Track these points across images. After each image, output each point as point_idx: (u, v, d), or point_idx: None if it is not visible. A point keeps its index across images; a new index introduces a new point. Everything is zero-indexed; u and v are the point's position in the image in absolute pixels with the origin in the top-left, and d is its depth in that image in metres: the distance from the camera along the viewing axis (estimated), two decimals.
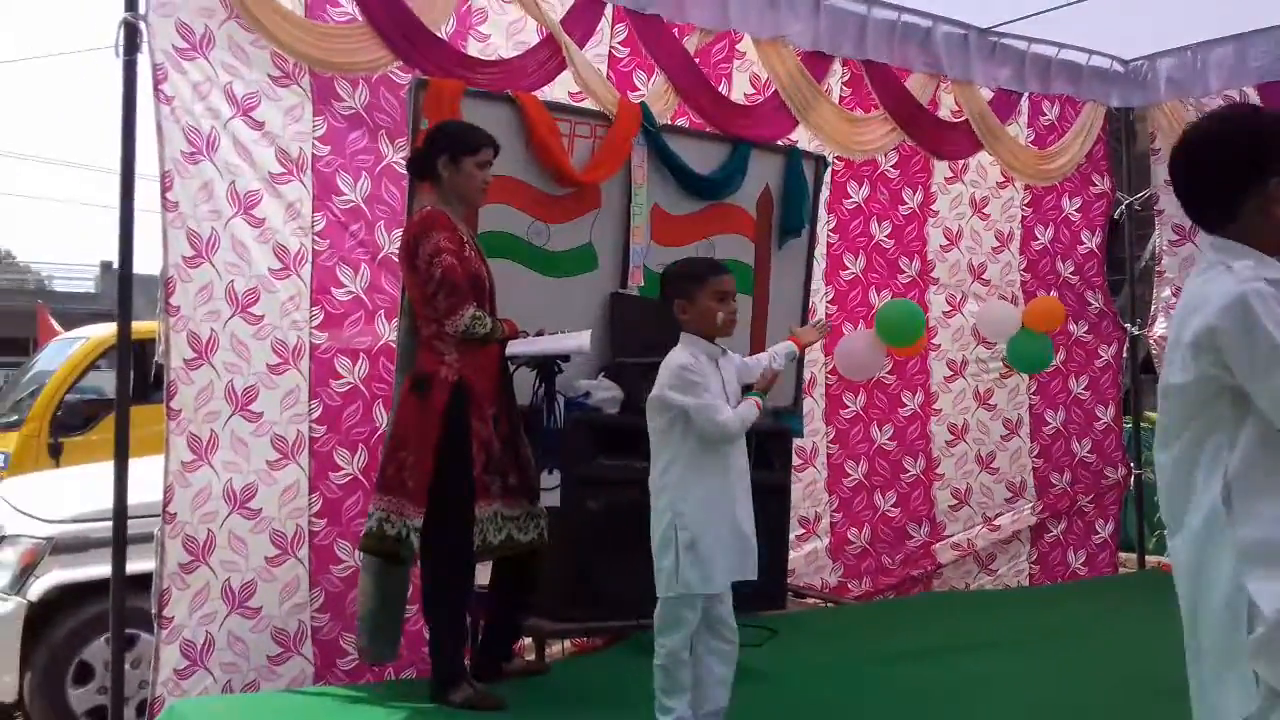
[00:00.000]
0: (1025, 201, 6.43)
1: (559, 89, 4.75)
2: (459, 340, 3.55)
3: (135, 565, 3.94)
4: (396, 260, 3.96)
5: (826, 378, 5.88)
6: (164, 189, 3.99)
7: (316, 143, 4.31)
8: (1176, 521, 1.99)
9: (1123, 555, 6.75)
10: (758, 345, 5.12)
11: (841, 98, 5.65)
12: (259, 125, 4.20)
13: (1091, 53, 6.27)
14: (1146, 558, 6.68)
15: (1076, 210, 6.55)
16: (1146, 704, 3.63)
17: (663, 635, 3.08)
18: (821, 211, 5.58)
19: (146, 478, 3.94)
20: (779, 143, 5.33)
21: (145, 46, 3.93)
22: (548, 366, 4.00)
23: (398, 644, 3.95)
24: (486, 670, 3.81)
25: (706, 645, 3.13)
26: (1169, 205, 6.34)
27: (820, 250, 5.67)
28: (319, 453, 4.25)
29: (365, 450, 4.31)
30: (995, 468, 6.38)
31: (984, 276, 6.32)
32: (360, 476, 4.29)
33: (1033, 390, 6.49)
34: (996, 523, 6.36)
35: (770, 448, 4.74)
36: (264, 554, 4.12)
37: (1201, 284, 1.96)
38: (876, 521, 6.02)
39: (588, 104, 4.76)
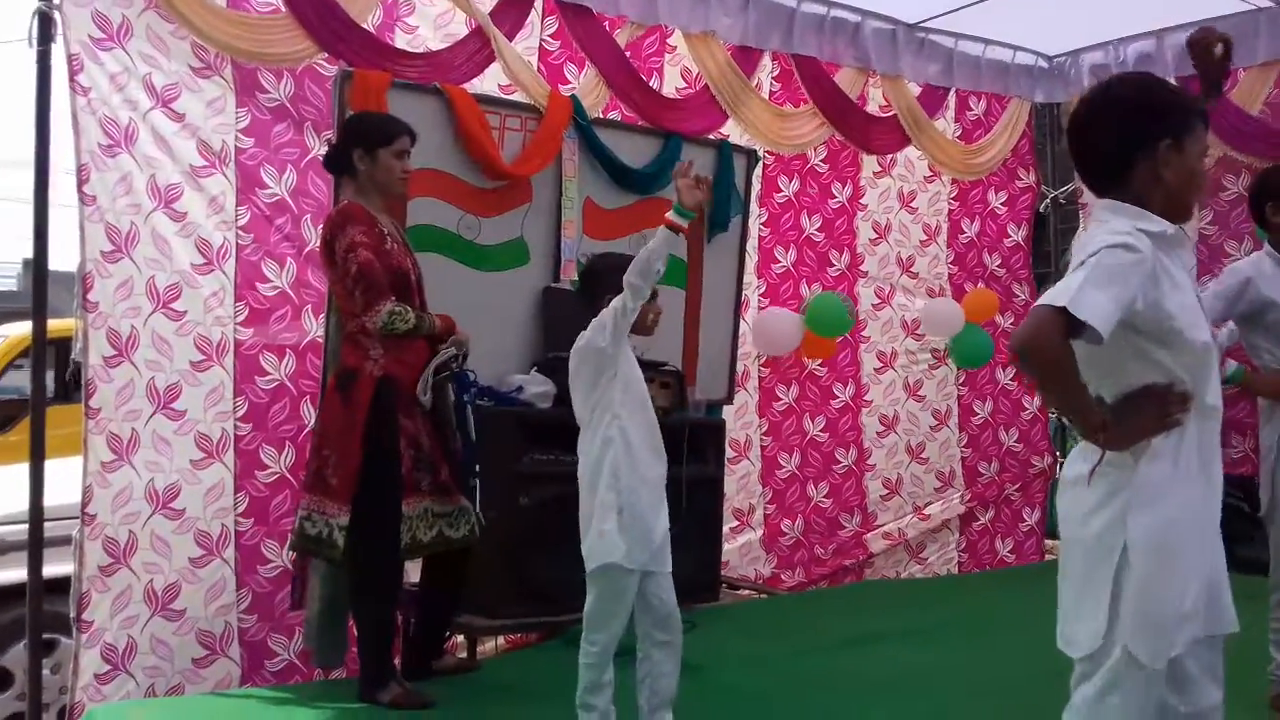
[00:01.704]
0: (952, 195, 6.52)
1: (489, 82, 4.71)
2: (382, 335, 3.50)
3: (54, 569, 3.84)
4: None
5: (760, 370, 5.92)
6: (80, 182, 3.90)
7: (240, 135, 4.23)
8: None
9: (1049, 543, 6.87)
10: (690, 340, 5.13)
11: (772, 92, 5.68)
12: (179, 117, 4.11)
13: (1017, 49, 6.38)
14: None
15: (1002, 204, 6.66)
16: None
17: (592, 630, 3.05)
18: (753, 205, 5.60)
19: (67, 479, 3.84)
20: (710, 136, 5.34)
21: (60, 37, 3.83)
22: (448, 369, 3.73)
23: (345, 648, 3.90)
24: (417, 669, 3.77)
25: (651, 639, 3.10)
26: (1094, 198, 6.46)
27: (752, 244, 5.69)
28: (244, 451, 4.18)
29: (293, 448, 4.25)
30: (925, 458, 6.47)
31: (912, 269, 6.41)
32: (288, 475, 4.22)
33: (961, 381, 6.59)
34: (926, 512, 6.45)
35: (704, 440, 4.76)
36: (188, 555, 4.04)
37: (1081, 237, 2.04)
38: (809, 512, 6.07)
39: (518, 97, 4.73)
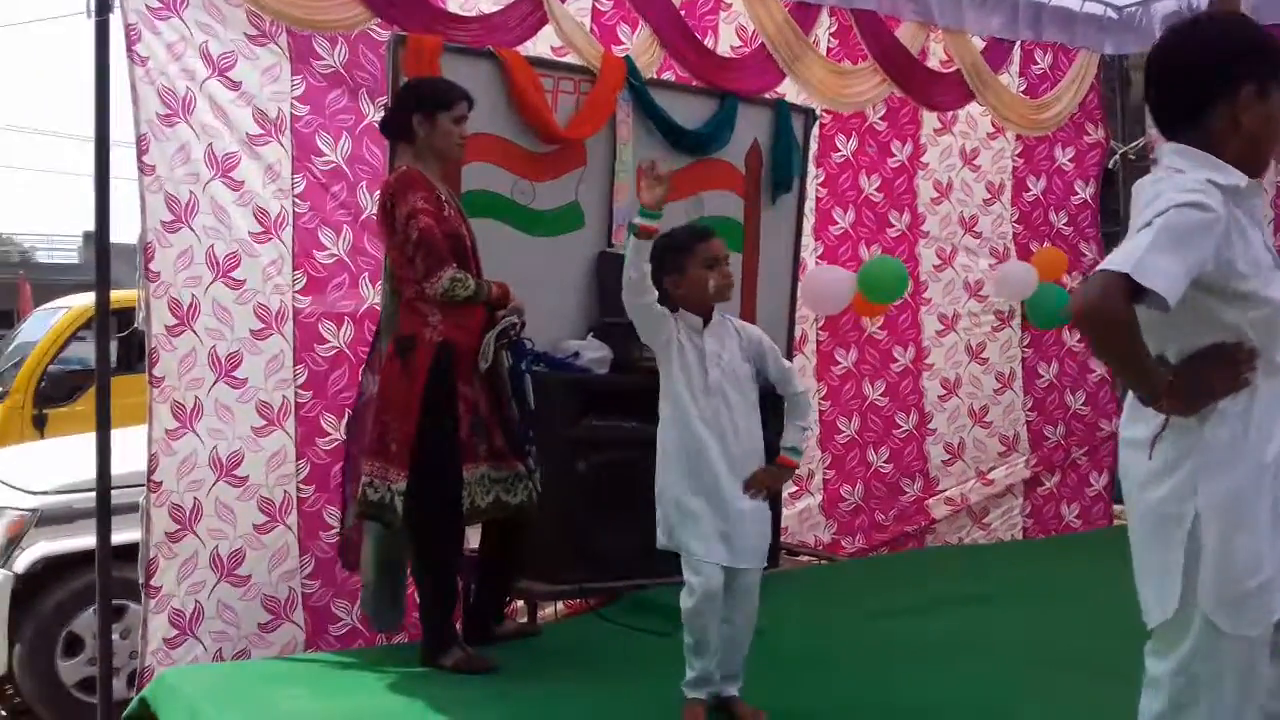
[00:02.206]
0: (1017, 152, 6.35)
1: (541, 44, 4.66)
2: (441, 301, 3.49)
3: (122, 535, 3.91)
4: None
5: (818, 334, 5.84)
6: (140, 152, 3.94)
7: (295, 102, 4.23)
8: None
9: (1117, 508, 6.73)
10: (748, 304, 5.07)
11: (829, 49, 5.55)
12: (235, 86, 4.12)
13: None
14: None
15: (1070, 160, 6.47)
16: (1140, 655, 3.62)
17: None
18: (810, 166, 5.50)
19: (132, 447, 3.90)
20: (766, 96, 5.25)
21: (118, 7, 3.84)
22: (507, 337, 3.67)
23: (402, 611, 3.92)
24: (478, 633, 3.79)
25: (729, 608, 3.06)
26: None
27: (809, 205, 5.59)
28: (305, 418, 4.21)
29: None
30: (988, 421, 6.35)
31: (975, 229, 6.26)
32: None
33: (1026, 344, 6.45)
34: (990, 477, 6.34)
35: (763, 406, 4.70)
36: (252, 521, 4.09)
37: (1150, 183, 1.90)
38: (869, 478, 6.00)
39: (571, 59, 4.67)
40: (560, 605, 4.47)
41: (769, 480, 3.07)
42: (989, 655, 3.73)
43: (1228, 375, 1.81)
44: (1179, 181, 1.82)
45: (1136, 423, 1.91)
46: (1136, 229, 1.80)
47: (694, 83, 5.04)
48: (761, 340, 3.17)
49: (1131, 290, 1.72)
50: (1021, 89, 6.19)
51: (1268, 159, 1.92)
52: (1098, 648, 3.80)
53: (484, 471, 3.55)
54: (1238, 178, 1.84)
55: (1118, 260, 1.75)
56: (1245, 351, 1.81)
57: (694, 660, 3.00)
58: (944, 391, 6.23)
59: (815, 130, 5.47)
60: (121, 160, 4.86)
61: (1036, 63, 6.24)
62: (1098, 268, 1.81)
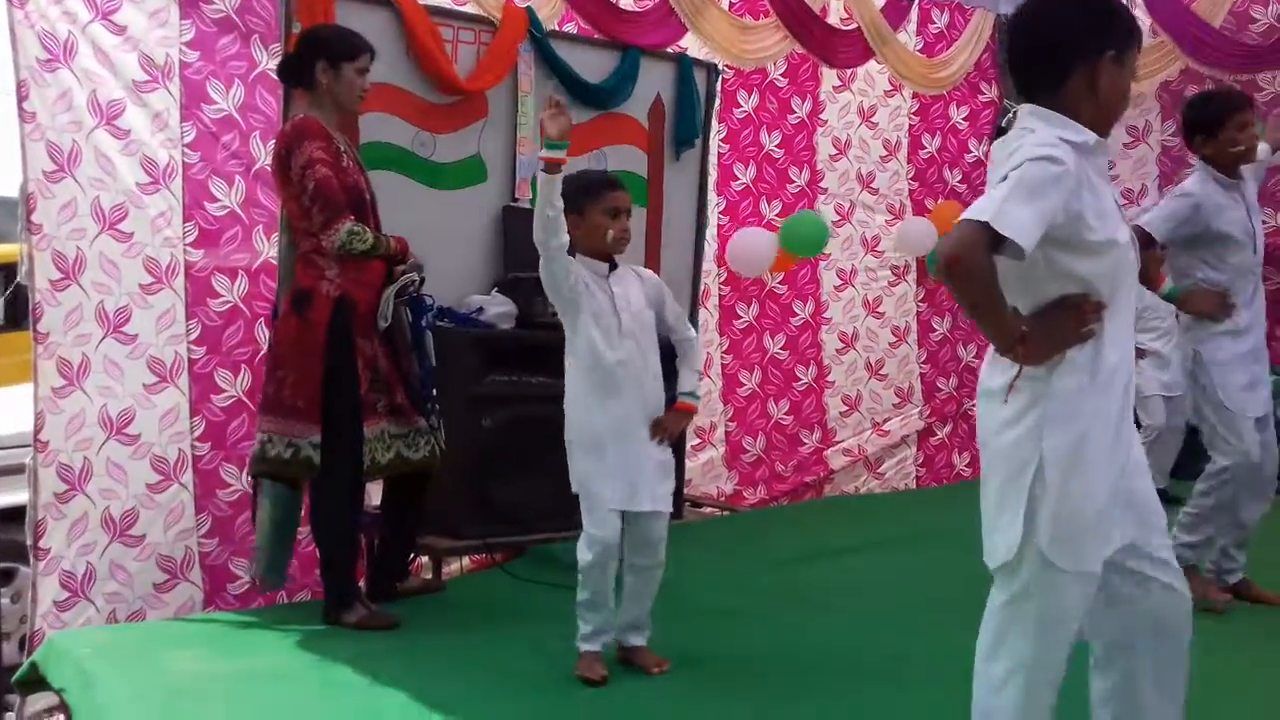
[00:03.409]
0: (913, 110, 6.46)
1: None
2: (338, 255, 3.43)
3: (9, 497, 3.79)
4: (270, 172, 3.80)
5: (720, 289, 5.89)
6: (20, 99, 3.77)
7: (184, 48, 4.09)
8: None
9: None
10: (652, 259, 5.08)
11: (731, 4, 5.56)
12: (120, 30, 3.96)
13: None
14: None
15: (964, 119, 6.62)
16: None
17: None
18: (713, 121, 5.52)
19: (20, 407, 3.77)
20: (669, 50, 5.23)
21: None
22: (406, 294, 3.66)
23: (284, 570, 3.88)
24: (381, 590, 3.78)
25: (627, 562, 3.07)
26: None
27: (711, 160, 5.62)
28: (199, 375, 4.11)
29: (249, 371, 4.18)
30: (884, 374, 6.51)
31: (872, 185, 6.37)
32: (244, 399, 4.17)
33: (920, 298, 6.61)
34: (885, 428, 6.51)
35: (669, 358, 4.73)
36: (145, 480, 4.00)
37: (1005, 142, 1.99)
38: (770, 429, 6.11)
39: (470, 9, 4.59)
40: (465, 561, 4.47)
41: (673, 425, 3.10)
42: (883, 600, 3.86)
43: (1075, 327, 1.90)
44: (1032, 139, 1.92)
45: (993, 373, 2.00)
46: (994, 183, 1.91)
47: (596, 35, 5.01)
48: (660, 285, 3.20)
49: (990, 240, 1.82)
50: (919, 48, 6.29)
51: (1115, 121, 2.05)
52: (979, 591, 3.97)
53: (384, 427, 3.51)
54: (1088, 135, 1.94)
55: (977, 211, 1.84)
56: (1092, 304, 1.91)
57: (587, 614, 3.02)
58: (842, 345, 6.36)
59: (718, 86, 5.48)
60: None
61: (934, 22, 6.34)
62: (959, 218, 1.89)
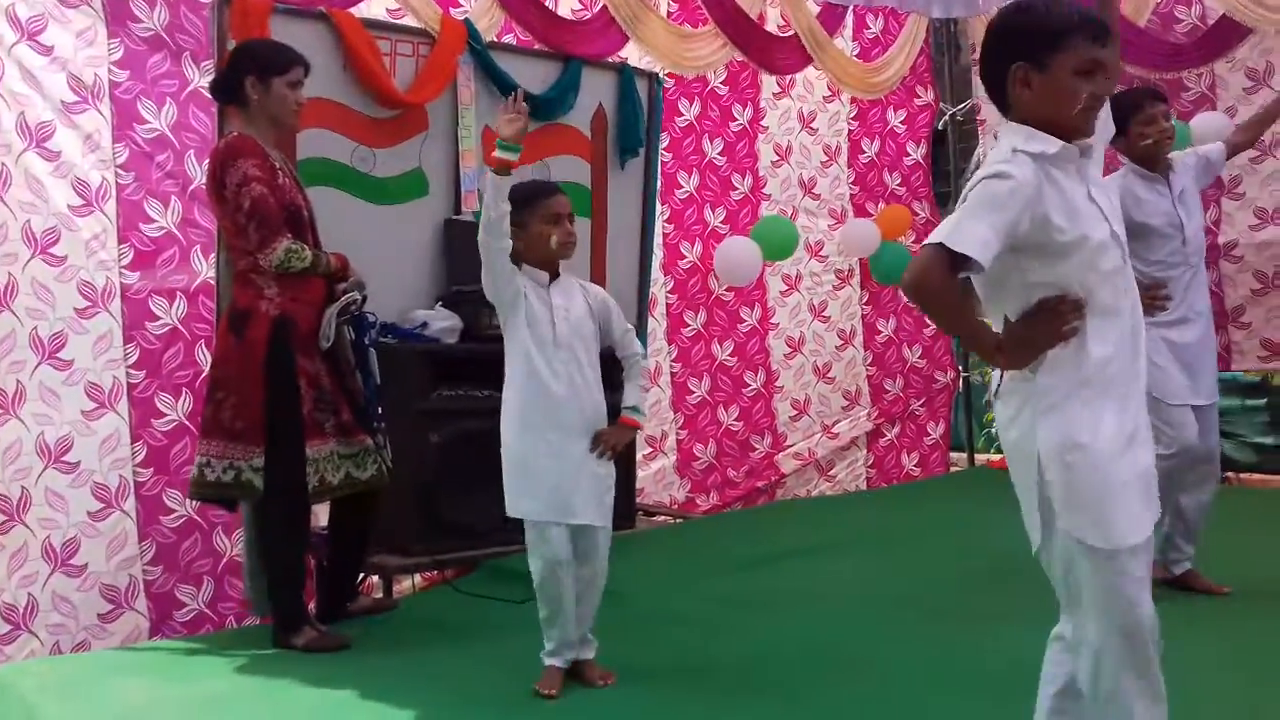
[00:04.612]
0: (851, 115, 6.53)
1: (376, 6, 4.56)
2: (277, 273, 3.38)
3: None
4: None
5: (667, 297, 5.90)
6: None
7: (113, 68, 4.03)
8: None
9: (953, 455, 7.06)
10: (598, 269, 5.08)
11: (670, 12, 5.58)
12: (47, 50, 3.91)
13: None
14: (975, 456, 7.01)
15: (901, 123, 6.69)
16: (982, 591, 3.86)
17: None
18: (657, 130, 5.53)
19: None
20: (610, 60, 5.24)
21: None
22: (349, 313, 3.59)
23: None
24: (332, 611, 3.73)
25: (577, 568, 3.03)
26: (991, 115, 6.54)
27: (655, 169, 5.62)
28: (139, 399, 4.05)
29: (190, 394, 4.13)
30: (831, 377, 6.56)
31: (814, 191, 6.42)
32: (186, 422, 4.11)
33: (865, 300, 6.67)
34: (835, 430, 6.55)
35: (616, 370, 4.73)
36: (86, 508, 3.93)
37: (981, 156, 2.07)
38: (721, 436, 6.12)
39: (408, 21, 4.57)
40: (417, 578, 4.43)
41: (615, 439, 3.08)
42: (837, 601, 3.88)
43: (1053, 327, 1.96)
44: (991, 155, 2.02)
45: (995, 377, 2.09)
46: (960, 201, 2.00)
47: (536, 46, 5.00)
48: (607, 300, 3.18)
49: (951, 260, 1.90)
50: (855, 53, 6.35)
51: (1070, 122, 2.00)
52: (936, 586, 4.01)
53: (332, 448, 3.47)
54: (1047, 144, 1.98)
55: (935, 234, 1.93)
56: (1069, 303, 1.96)
57: (550, 630, 3.00)
58: (789, 350, 6.39)
59: (660, 94, 5.49)
60: None
61: (869, 27, 6.41)
62: (923, 242, 1.97)
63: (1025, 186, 1.92)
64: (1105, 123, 2.19)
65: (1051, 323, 1.96)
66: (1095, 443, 1.94)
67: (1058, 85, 1.99)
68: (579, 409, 3.01)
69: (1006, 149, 1.99)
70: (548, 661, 3.01)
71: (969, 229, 1.90)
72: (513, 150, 2.90)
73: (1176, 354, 3.65)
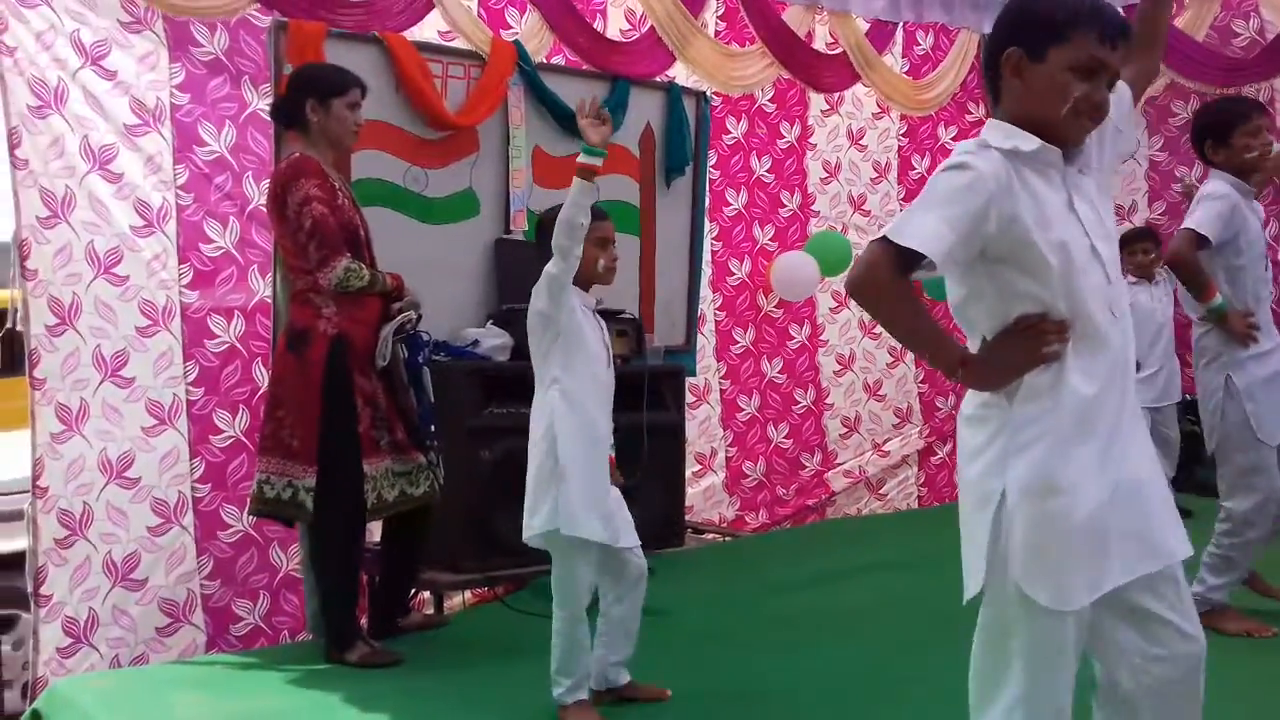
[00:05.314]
0: (901, 132, 6.50)
1: (428, 29, 4.61)
2: (335, 292, 3.44)
3: (9, 544, 3.78)
4: (265, 211, 3.81)
5: (715, 314, 5.91)
6: (12, 147, 3.81)
7: (175, 91, 4.12)
8: None
9: None
10: (646, 287, 5.11)
11: (717, 32, 5.61)
12: (111, 75, 4.00)
13: None
14: None
15: (953, 139, 6.64)
16: None
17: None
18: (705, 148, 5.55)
19: (17, 453, 3.77)
20: (658, 80, 5.27)
21: None
22: (404, 331, 3.63)
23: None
24: (383, 627, 3.75)
25: (608, 599, 3.01)
26: None
27: (704, 187, 5.64)
28: (198, 416, 4.12)
29: (247, 411, 4.19)
30: (882, 395, 6.51)
31: (864, 207, 6.40)
32: (243, 439, 4.17)
33: None
34: (885, 448, 6.51)
35: (664, 388, 4.74)
36: (146, 524, 4.00)
37: None
38: (770, 454, 6.10)
39: (459, 44, 4.63)
40: (467, 595, 4.46)
41: (616, 473, 3.05)
42: (888, 621, 3.84)
43: (1031, 348, 1.75)
44: (959, 147, 1.84)
45: (968, 401, 1.88)
46: None
47: (585, 67, 5.04)
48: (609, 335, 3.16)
49: (898, 259, 1.72)
50: (905, 70, 6.33)
51: (1052, 122, 1.80)
52: None
53: (387, 465, 3.51)
54: (1021, 140, 1.79)
55: (881, 231, 1.77)
56: (1051, 323, 1.75)
57: (570, 666, 2.90)
58: (839, 367, 6.36)
59: (708, 113, 5.51)
60: None
61: (919, 44, 6.38)
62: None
63: (987, 180, 1.72)
64: (1125, 135, 1.98)
65: (1031, 342, 1.74)
66: (1076, 487, 1.73)
67: (1050, 79, 1.78)
68: (610, 434, 3.02)
69: (972, 143, 1.81)
70: (573, 699, 2.90)
71: (918, 222, 1.71)
72: (599, 155, 2.87)
73: (1271, 389, 3.43)
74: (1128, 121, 2.00)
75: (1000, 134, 1.82)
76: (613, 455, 3.05)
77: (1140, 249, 5.27)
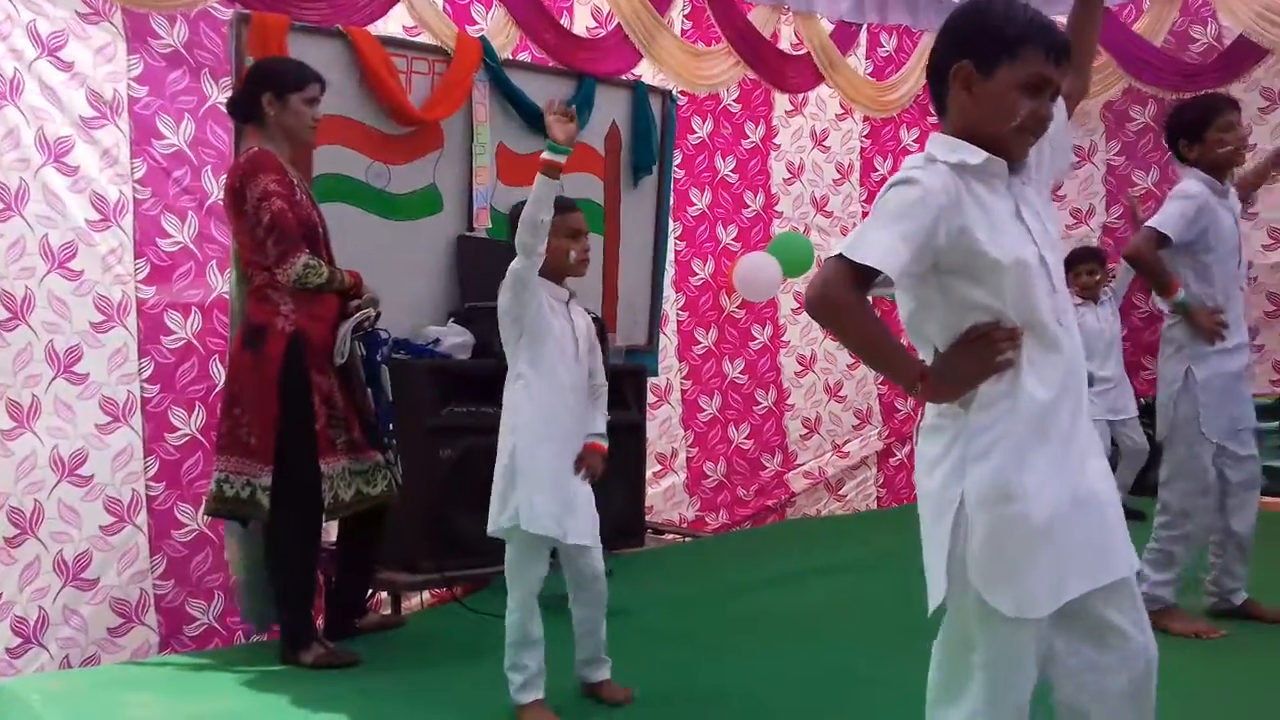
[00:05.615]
0: (864, 134, 6.54)
1: (393, 24, 4.58)
2: (293, 289, 3.40)
3: None
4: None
5: (678, 314, 5.91)
6: None
7: (133, 83, 4.06)
8: None
9: None
10: (610, 286, 5.10)
11: (683, 31, 5.61)
12: (68, 66, 3.94)
13: None
14: None
15: (914, 141, 6.69)
16: None
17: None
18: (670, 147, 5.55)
19: None
20: (624, 77, 5.26)
21: None
22: (362, 329, 3.58)
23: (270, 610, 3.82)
24: (339, 628, 3.72)
25: (572, 598, 3.01)
26: None
27: (669, 187, 5.64)
28: (152, 413, 4.07)
29: (203, 409, 4.15)
30: (843, 396, 6.55)
31: (826, 209, 6.43)
32: (199, 437, 4.12)
33: None
34: (845, 449, 6.55)
35: (625, 387, 4.74)
36: (98, 522, 3.94)
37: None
38: (731, 454, 6.12)
39: (424, 39, 4.60)
40: (425, 595, 4.43)
41: (596, 465, 3.02)
42: (847, 622, 3.86)
43: (985, 357, 1.76)
44: (907, 161, 1.85)
45: (927, 410, 1.88)
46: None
47: (551, 64, 5.02)
48: (591, 326, 3.16)
49: (855, 275, 1.73)
50: (869, 71, 6.37)
51: (998, 138, 1.81)
52: (942, 610, 3.98)
53: (344, 465, 3.47)
54: (967, 154, 1.80)
55: (839, 245, 1.78)
56: (1003, 331, 1.76)
57: (520, 661, 2.90)
58: (800, 368, 6.39)
59: (674, 112, 5.51)
60: None
61: (883, 45, 6.43)
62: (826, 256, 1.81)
63: (936, 194, 1.74)
64: (1061, 154, 1.99)
65: (984, 351, 1.76)
66: (1034, 494, 1.73)
67: (998, 96, 1.80)
68: (579, 431, 3.00)
69: (919, 157, 1.83)
70: (528, 698, 2.89)
71: (872, 238, 1.73)
72: (564, 152, 2.85)
73: (1231, 386, 3.52)
74: (1064, 140, 2.01)
75: (946, 148, 1.83)
76: (603, 446, 3.03)
77: (1085, 270, 5.24)
